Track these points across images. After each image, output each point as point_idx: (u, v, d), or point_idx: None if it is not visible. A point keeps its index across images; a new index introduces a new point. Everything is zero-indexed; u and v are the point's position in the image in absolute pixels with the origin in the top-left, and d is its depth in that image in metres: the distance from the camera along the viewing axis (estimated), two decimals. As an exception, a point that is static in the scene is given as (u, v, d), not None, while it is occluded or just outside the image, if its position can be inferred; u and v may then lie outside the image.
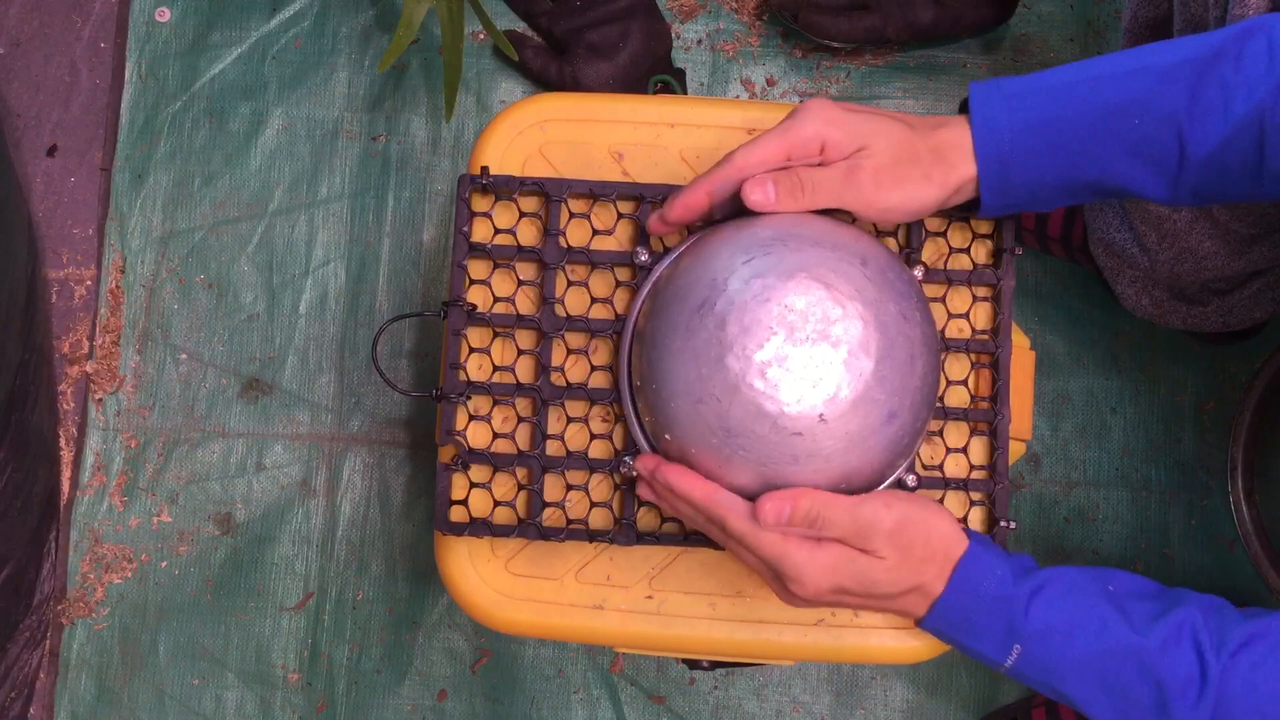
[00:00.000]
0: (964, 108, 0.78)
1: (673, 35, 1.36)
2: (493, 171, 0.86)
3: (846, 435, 0.72)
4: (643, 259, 0.82)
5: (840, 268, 0.73)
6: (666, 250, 0.82)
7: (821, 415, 0.71)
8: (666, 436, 0.76)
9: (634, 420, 0.80)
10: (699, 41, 1.38)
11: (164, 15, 1.38)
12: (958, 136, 0.75)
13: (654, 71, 1.32)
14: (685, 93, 1.35)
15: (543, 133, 0.88)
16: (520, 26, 1.37)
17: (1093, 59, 0.75)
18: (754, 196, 0.74)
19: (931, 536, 0.73)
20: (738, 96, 1.37)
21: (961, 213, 0.84)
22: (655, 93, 1.32)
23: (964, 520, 0.84)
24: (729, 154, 0.76)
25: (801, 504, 0.71)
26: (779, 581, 0.74)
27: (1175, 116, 0.72)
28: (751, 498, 0.73)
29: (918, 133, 0.75)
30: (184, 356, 1.34)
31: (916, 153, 0.75)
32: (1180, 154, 0.72)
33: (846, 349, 0.72)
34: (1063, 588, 0.73)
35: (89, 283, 1.35)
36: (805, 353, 0.71)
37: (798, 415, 0.71)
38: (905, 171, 0.74)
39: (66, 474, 1.32)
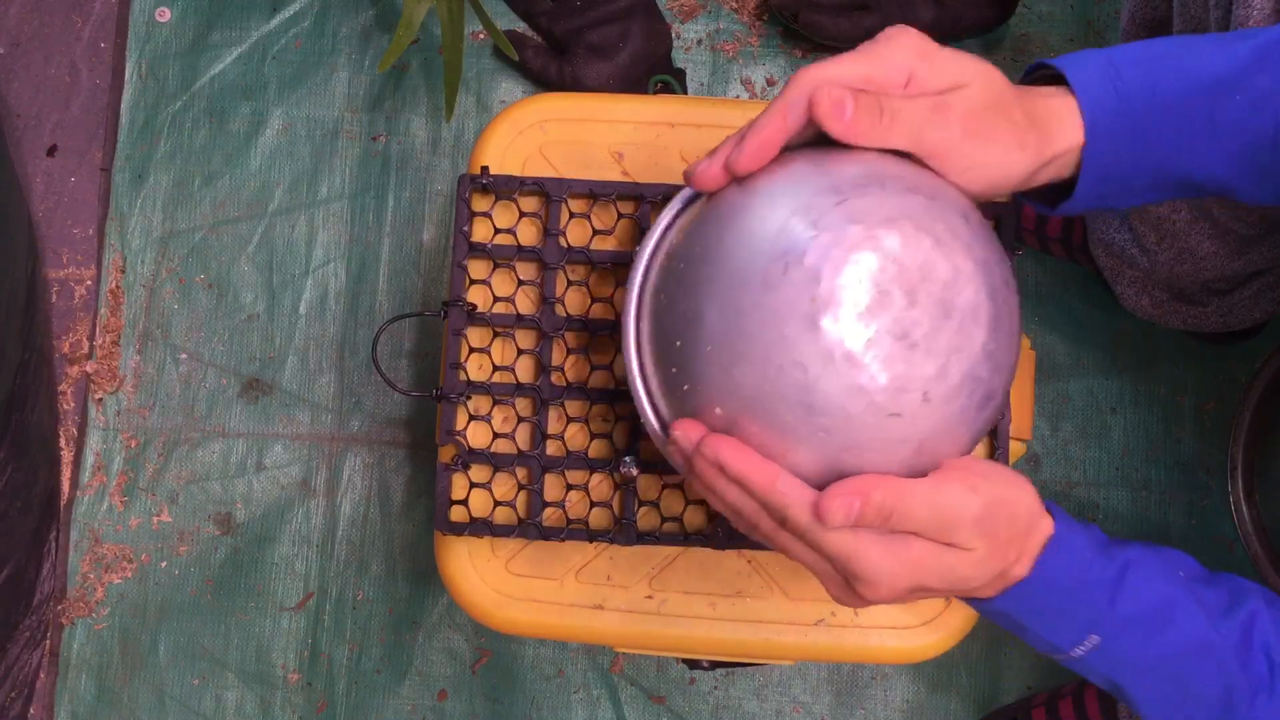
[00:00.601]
0: (1030, 77, 0.70)
1: (673, 35, 1.36)
2: (493, 171, 0.86)
3: (946, 419, 0.61)
4: (643, 258, 0.82)
5: (946, 219, 0.61)
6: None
7: (926, 394, 0.60)
8: (717, 410, 0.63)
9: (644, 401, 0.67)
10: (699, 41, 1.38)
11: (164, 15, 1.38)
12: (1059, 104, 0.65)
13: (654, 71, 1.32)
14: (685, 93, 1.35)
15: (543, 133, 0.88)
16: (520, 26, 1.37)
17: (1178, 36, 0.68)
18: (826, 105, 0.61)
19: (1017, 514, 0.64)
20: (738, 96, 1.37)
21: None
22: (655, 93, 1.32)
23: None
24: (796, 74, 0.63)
25: (874, 498, 0.60)
26: (844, 584, 0.64)
27: (1270, 94, 0.64)
28: (813, 484, 0.62)
29: (1014, 90, 0.65)
30: (184, 356, 1.34)
31: (1011, 111, 0.64)
32: (1275, 137, 0.65)
33: (959, 317, 0.60)
34: (1144, 574, 0.66)
35: (89, 283, 1.34)
36: (916, 318, 0.59)
37: (899, 392, 0.59)
38: (998, 128, 0.64)
39: (66, 474, 1.32)
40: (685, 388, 0.64)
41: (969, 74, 0.64)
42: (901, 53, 0.65)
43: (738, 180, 0.65)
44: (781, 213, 0.61)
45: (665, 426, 0.67)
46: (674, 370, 0.65)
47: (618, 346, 0.83)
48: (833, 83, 0.62)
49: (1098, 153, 0.65)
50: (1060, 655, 0.68)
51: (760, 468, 0.61)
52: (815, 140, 0.64)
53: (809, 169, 0.63)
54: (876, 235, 0.60)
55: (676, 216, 0.69)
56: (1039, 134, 0.64)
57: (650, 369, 0.67)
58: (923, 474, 0.62)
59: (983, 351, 0.61)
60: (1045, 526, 0.65)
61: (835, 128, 0.62)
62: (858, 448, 0.60)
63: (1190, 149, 0.66)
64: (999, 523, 0.63)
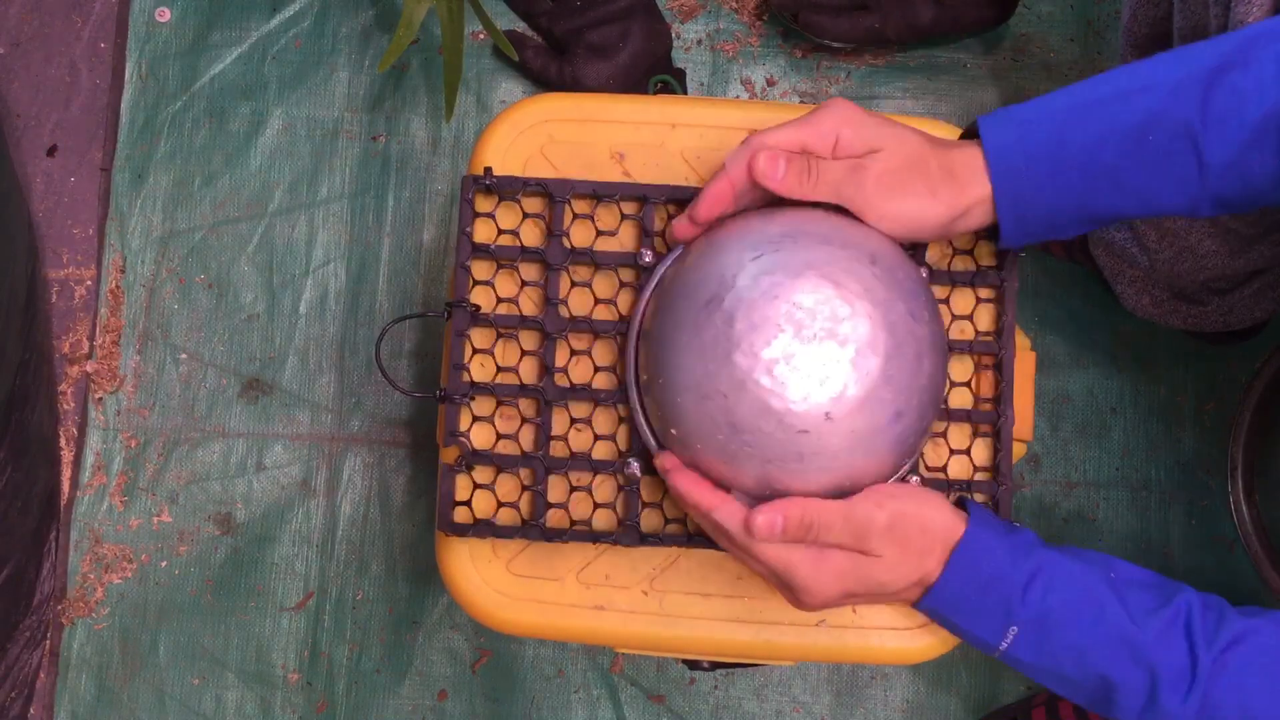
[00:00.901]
0: (969, 134, 0.78)
1: (673, 35, 1.36)
2: (494, 172, 0.86)
3: (852, 433, 0.72)
4: (646, 259, 0.83)
5: (849, 266, 0.72)
6: (671, 248, 0.82)
7: (828, 413, 0.71)
8: (673, 432, 0.76)
9: (640, 416, 0.80)
10: (699, 41, 1.38)
11: (164, 15, 1.38)
12: (970, 157, 0.74)
13: (654, 71, 1.32)
14: (685, 93, 1.35)
15: (543, 133, 0.87)
16: (520, 26, 1.37)
17: (1098, 77, 0.75)
18: (761, 165, 0.74)
19: (928, 526, 0.74)
20: (738, 96, 1.37)
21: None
22: (655, 93, 1.32)
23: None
24: (746, 139, 0.76)
25: (793, 514, 0.72)
26: (788, 592, 0.75)
27: (1190, 128, 0.71)
28: (756, 500, 0.74)
29: (932, 149, 0.75)
30: (184, 356, 1.34)
31: (927, 167, 0.74)
32: (1199, 165, 0.72)
33: (854, 348, 0.71)
34: (1061, 573, 0.74)
35: (89, 283, 1.34)
36: (812, 351, 0.71)
37: (804, 412, 0.71)
38: (911, 183, 0.74)
39: (66, 474, 1.32)
40: (654, 415, 0.78)
41: (885, 139, 0.74)
42: (832, 121, 0.75)
43: (705, 236, 0.78)
44: (713, 268, 0.74)
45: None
46: (647, 401, 0.79)
47: (621, 348, 0.84)
48: (772, 147, 0.74)
49: (1009, 199, 0.73)
50: (993, 651, 0.75)
51: (706, 497, 0.74)
52: (769, 199, 0.76)
53: (742, 229, 0.75)
54: (781, 283, 0.72)
55: (669, 266, 0.80)
56: (954, 185, 0.73)
57: (644, 401, 0.80)
58: (850, 485, 0.74)
59: (880, 376, 0.72)
60: (958, 532, 0.74)
61: (770, 184, 0.74)
62: (780, 460, 0.72)
63: (1115, 183, 0.73)
64: (909, 532, 0.73)
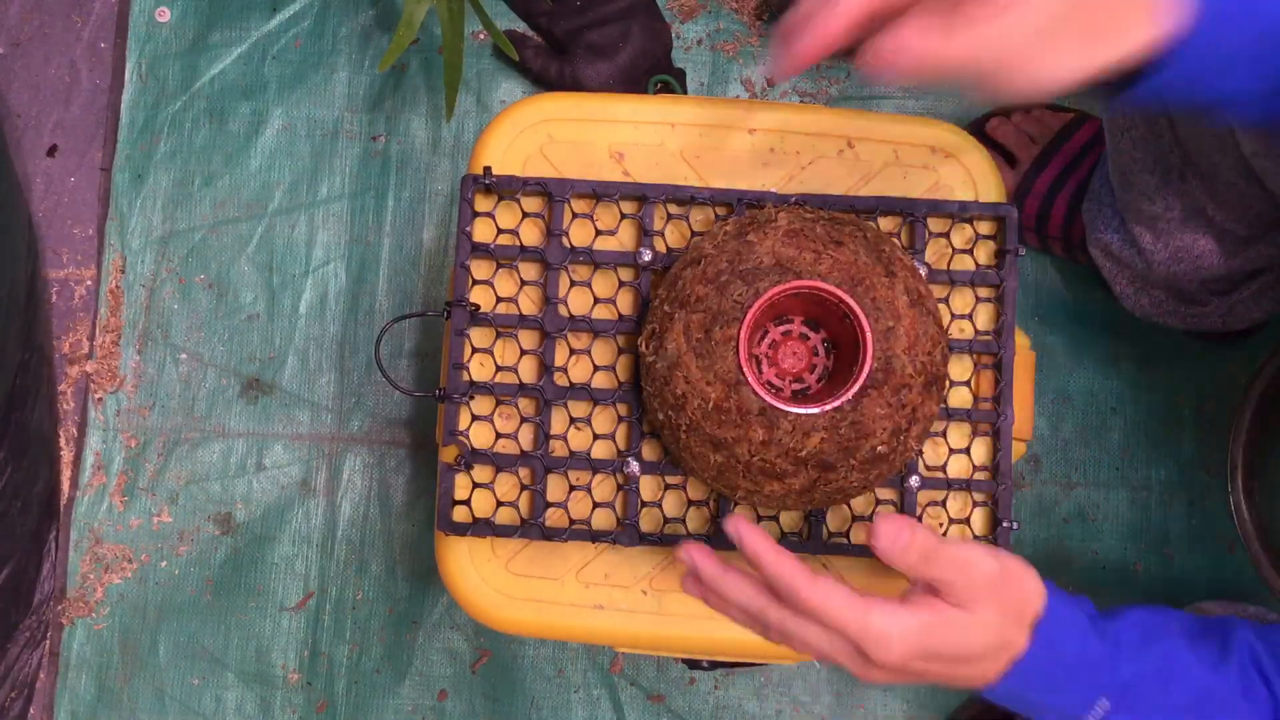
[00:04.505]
0: None
1: (673, 35, 1.36)
2: (494, 172, 0.86)
3: None
4: (645, 258, 0.83)
5: None
6: (670, 250, 0.82)
7: None
8: None
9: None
10: (699, 41, 1.38)
11: (164, 15, 1.38)
12: None
13: (654, 71, 1.32)
14: (685, 93, 1.35)
15: (543, 133, 0.88)
16: (520, 26, 1.37)
17: None
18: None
19: (1025, 590, 0.68)
20: (738, 96, 1.37)
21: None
22: (655, 93, 1.32)
23: (967, 521, 0.84)
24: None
25: (920, 533, 0.64)
26: (856, 655, 0.65)
27: None
28: None
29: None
30: (184, 356, 1.34)
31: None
32: None
33: None
34: (1138, 635, 0.70)
35: (89, 283, 1.34)
36: None
37: None
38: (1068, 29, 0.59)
39: (66, 474, 1.32)
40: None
41: None
42: None
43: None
44: None
45: None
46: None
47: (620, 347, 0.84)
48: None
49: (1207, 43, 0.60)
50: None
51: (770, 549, 0.66)
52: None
53: None
54: None
55: None
56: (1115, 26, 0.60)
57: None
58: None
59: None
60: (1040, 601, 0.68)
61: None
62: None
63: None
64: (1010, 592, 0.67)
